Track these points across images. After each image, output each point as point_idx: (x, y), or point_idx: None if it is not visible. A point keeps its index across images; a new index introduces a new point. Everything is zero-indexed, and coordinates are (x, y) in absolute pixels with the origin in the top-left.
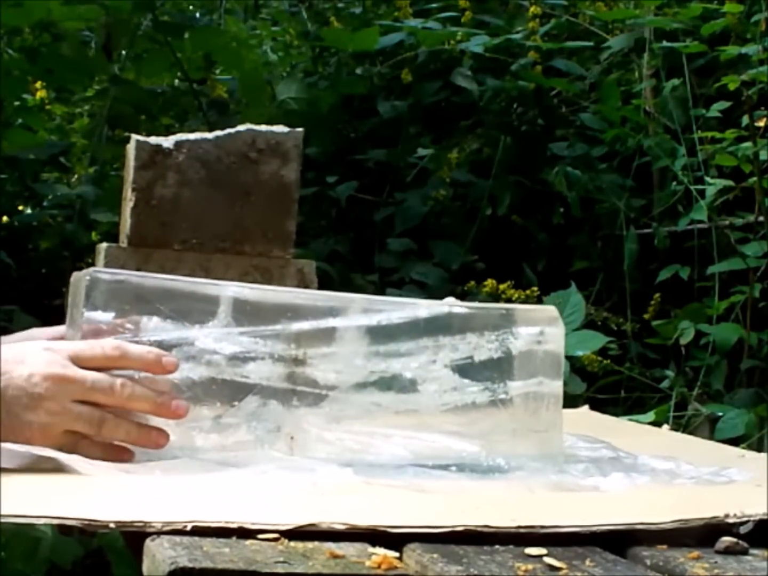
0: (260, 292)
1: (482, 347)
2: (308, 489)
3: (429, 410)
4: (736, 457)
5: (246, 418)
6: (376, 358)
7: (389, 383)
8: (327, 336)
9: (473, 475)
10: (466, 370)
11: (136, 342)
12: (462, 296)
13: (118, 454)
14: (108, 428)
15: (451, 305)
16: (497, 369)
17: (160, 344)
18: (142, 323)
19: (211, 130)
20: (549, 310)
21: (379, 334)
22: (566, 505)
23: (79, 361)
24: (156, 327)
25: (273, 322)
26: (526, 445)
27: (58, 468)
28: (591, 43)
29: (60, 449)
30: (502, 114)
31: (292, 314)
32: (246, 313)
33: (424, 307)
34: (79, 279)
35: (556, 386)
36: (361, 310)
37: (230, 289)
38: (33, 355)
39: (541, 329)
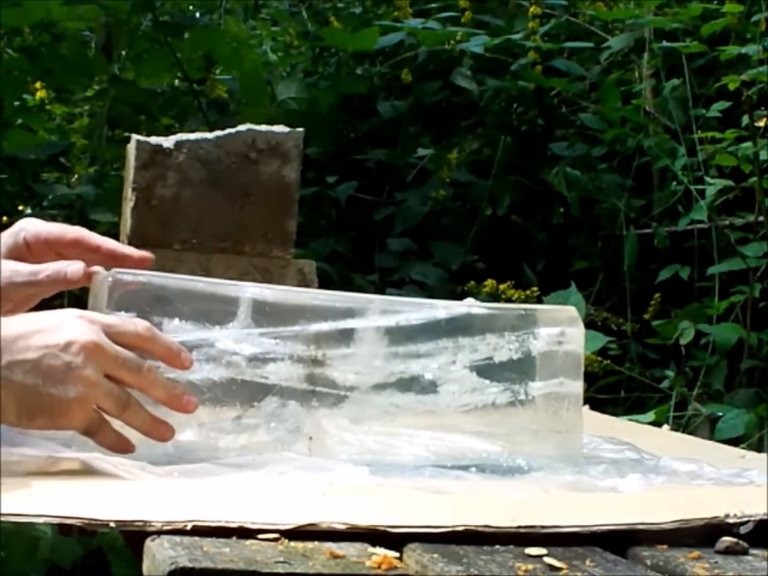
0: (279, 293)
1: (502, 348)
2: (323, 489)
3: (449, 411)
4: (737, 457)
5: (266, 418)
6: (395, 359)
7: (409, 384)
8: (346, 337)
9: (492, 475)
10: (486, 371)
11: None
12: (462, 296)
13: (123, 446)
14: (130, 413)
15: (470, 306)
16: (517, 370)
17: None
18: (163, 324)
19: (211, 130)
20: (569, 310)
21: (398, 335)
22: (568, 505)
23: (111, 334)
24: (177, 328)
25: (292, 323)
26: (546, 446)
27: (77, 468)
28: (591, 44)
29: (86, 429)
30: (502, 114)
31: (311, 315)
32: (265, 314)
33: (443, 308)
34: (101, 280)
35: (577, 387)
36: (380, 311)
37: (249, 290)
38: (68, 323)
39: (562, 330)
